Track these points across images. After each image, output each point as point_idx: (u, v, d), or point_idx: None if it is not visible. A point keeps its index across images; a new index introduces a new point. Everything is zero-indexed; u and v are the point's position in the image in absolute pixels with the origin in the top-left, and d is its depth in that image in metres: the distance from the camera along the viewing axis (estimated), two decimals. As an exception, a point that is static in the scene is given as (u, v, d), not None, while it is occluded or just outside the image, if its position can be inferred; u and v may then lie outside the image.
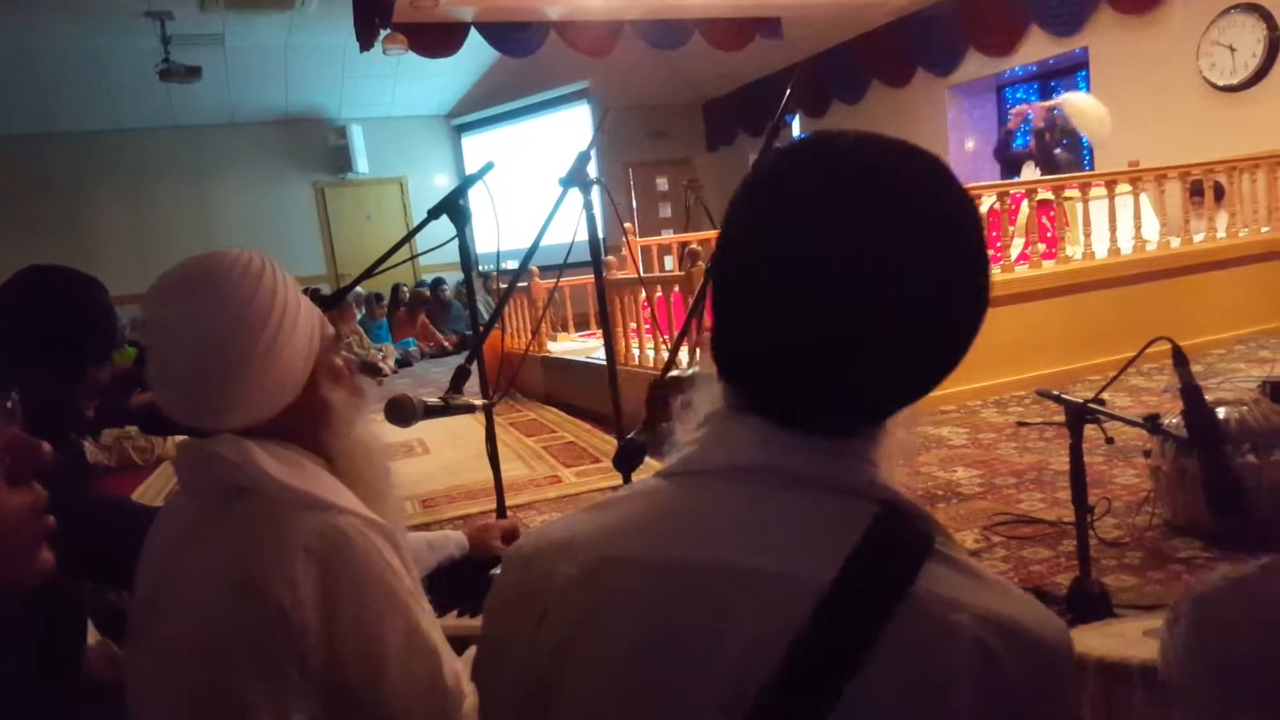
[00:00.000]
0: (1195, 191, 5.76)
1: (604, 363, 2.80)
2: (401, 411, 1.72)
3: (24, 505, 0.71)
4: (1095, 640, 1.42)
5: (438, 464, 4.72)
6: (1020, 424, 4.24)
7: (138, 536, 1.12)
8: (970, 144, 9.67)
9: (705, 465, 0.72)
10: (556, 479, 4.25)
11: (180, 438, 1.13)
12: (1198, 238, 5.65)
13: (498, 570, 0.79)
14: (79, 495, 1.63)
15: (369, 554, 1.00)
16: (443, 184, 12.66)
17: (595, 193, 2.38)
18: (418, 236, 2.40)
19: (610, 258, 5.41)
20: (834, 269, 0.64)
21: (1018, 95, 9.68)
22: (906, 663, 0.61)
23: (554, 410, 6.13)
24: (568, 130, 11.12)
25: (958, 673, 0.60)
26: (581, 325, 7.63)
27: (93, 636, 1.62)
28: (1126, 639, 1.40)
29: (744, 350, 0.70)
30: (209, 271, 1.04)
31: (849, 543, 0.64)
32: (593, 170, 2.49)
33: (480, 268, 11.01)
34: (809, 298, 0.64)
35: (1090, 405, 1.91)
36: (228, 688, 0.95)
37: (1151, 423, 1.83)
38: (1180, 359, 1.63)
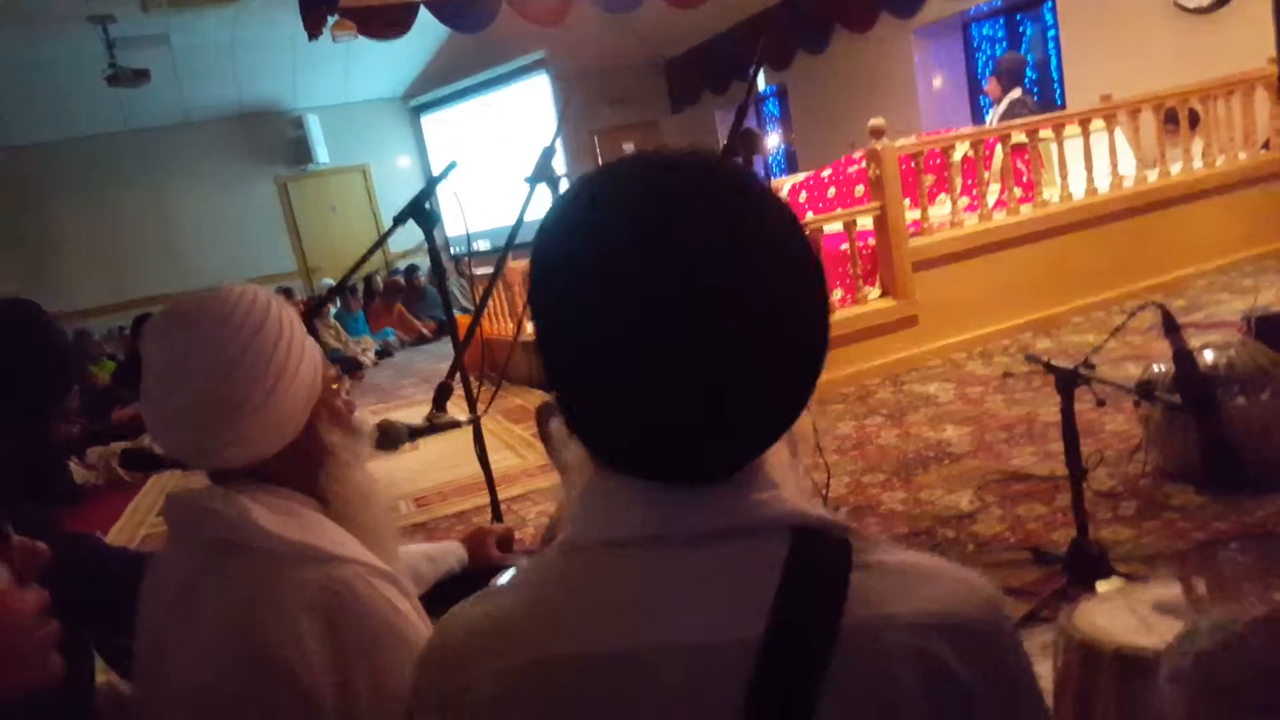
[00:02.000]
0: (1170, 120, 5.70)
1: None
2: (387, 438, 1.78)
3: (35, 607, 0.72)
4: (1107, 621, 1.40)
5: (428, 459, 4.68)
6: (1006, 375, 4.23)
7: (125, 582, 1.09)
8: (938, 82, 9.57)
9: (599, 538, 0.67)
10: (549, 467, 4.22)
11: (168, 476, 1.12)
12: (1174, 168, 5.60)
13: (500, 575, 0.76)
14: (63, 549, 1.57)
15: (375, 602, 0.98)
16: (405, 165, 12.49)
17: (563, 187, 2.34)
18: (386, 230, 2.38)
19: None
20: (691, 328, 0.60)
21: (984, 32, 9.58)
22: (857, 696, 0.60)
23: (540, 394, 6.08)
24: (527, 102, 10.93)
25: (907, 688, 0.61)
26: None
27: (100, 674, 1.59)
28: (1138, 619, 1.38)
29: (610, 423, 0.65)
30: (210, 311, 1.02)
31: (769, 590, 0.62)
32: (560, 164, 2.45)
33: (451, 250, 10.89)
34: (671, 356, 0.61)
35: (1080, 372, 1.89)
36: None
37: (1144, 389, 1.81)
38: (1171, 325, 1.60)
